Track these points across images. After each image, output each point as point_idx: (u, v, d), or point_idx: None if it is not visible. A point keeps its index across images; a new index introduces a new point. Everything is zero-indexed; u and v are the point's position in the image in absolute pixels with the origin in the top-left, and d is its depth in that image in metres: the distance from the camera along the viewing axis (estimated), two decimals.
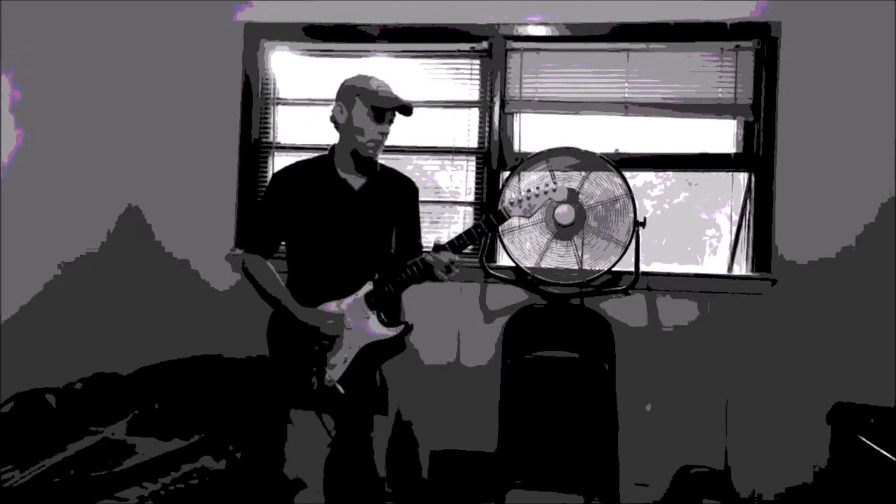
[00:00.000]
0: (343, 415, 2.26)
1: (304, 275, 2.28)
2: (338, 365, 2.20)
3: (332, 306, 2.22)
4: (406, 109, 2.22)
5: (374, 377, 2.33)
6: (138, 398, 2.89)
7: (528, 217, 2.31)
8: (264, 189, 2.47)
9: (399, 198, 2.36)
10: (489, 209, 3.08)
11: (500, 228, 2.24)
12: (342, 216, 2.25)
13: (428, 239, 3.15)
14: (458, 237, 2.19)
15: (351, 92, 2.22)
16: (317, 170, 2.29)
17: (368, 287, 2.22)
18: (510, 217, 2.21)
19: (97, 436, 2.61)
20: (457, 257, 2.17)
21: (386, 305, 2.26)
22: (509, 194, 2.86)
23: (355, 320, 2.22)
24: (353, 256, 2.25)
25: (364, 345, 2.22)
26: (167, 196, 3.32)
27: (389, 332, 2.23)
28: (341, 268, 2.24)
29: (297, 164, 2.35)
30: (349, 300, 2.22)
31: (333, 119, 2.26)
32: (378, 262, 2.28)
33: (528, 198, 2.18)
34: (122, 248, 3.31)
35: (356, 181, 2.28)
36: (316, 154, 2.36)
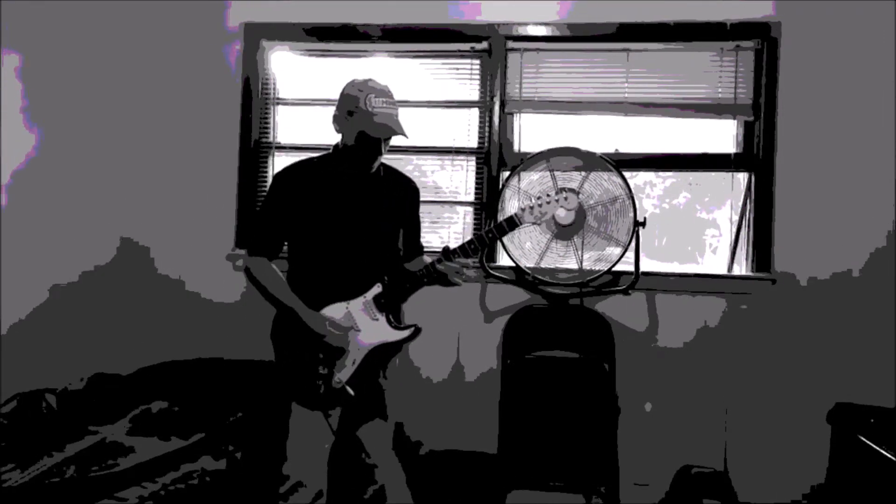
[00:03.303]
0: (350, 417, 2.24)
1: (309, 274, 2.22)
2: (346, 367, 2.17)
3: (339, 308, 2.18)
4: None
5: (379, 379, 2.30)
6: (138, 398, 2.89)
7: (539, 224, 2.28)
8: (265, 189, 2.41)
9: (403, 197, 2.34)
10: (490, 210, 3.08)
11: (522, 226, 2.20)
12: (349, 214, 2.20)
13: (427, 239, 3.18)
14: (469, 242, 2.18)
15: (347, 105, 2.15)
16: (321, 168, 2.24)
17: (378, 289, 2.19)
18: (522, 224, 2.19)
19: (97, 436, 2.61)
20: (469, 262, 2.18)
21: (394, 308, 2.25)
22: (507, 194, 2.86)
23: (364, 322, 2.19)
24: (361, 255, 2.20)
25: (373, 347, 2.20)
26: (168, 198, 3.32)
27: (400, 335, 2.22)
28: (349, 267, 2.19)
29: (301, 162, 2.30)
30: (357, 301, 2.19)
31: (334, 124, 2.23)
32: (386, 262, 2.26)
33: (540, 205, 2.16)
34: (123, 250, 3.31)
35: (361, 179, 2.22)
36: (317, 154, 2.33)
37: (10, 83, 2.81)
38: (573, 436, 2.90)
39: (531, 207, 2.17)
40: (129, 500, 2.25)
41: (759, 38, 3.03)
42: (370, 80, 2.18)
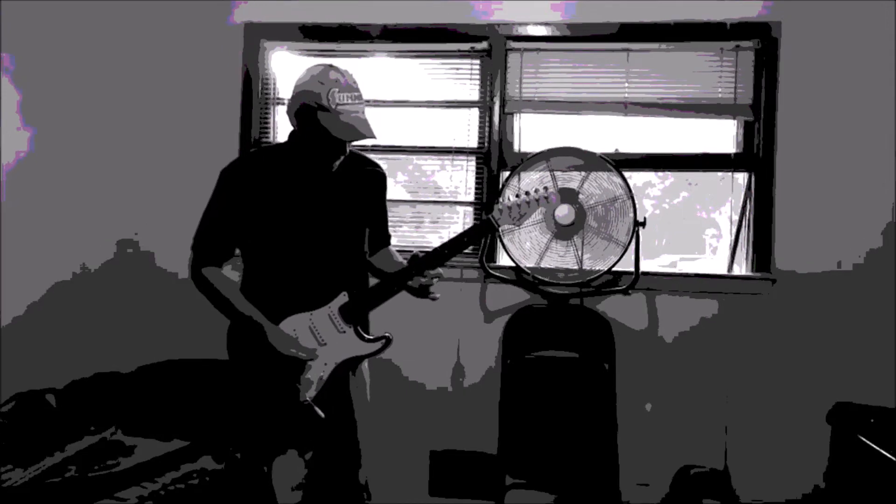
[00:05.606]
0: (322, 442, 2.06)
1: (267, 283, 2.01)
2: (313, 383, 1.98)
3: (301, 319, 1.99)
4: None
5: (349, 386, 2.09)
6: (138, 398, 2.89)
7: (519, 225, 2.14)
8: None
9: (368, 189, 2.13)
10: (487, 211, 3.08)
11: (500, 228, 2.14)
12: (309, 215, 1.99)
13: (427, 239, 3.19)
14: (443, 246, 2.02)
15: (307, 99, 1.91)
16: (276, 162, 2.01)
17: (344, 299, 1.99)
18: (500, 226, 2.05)
19: (97, 436, 2.61)
20: (441, 271, 2.02)
21: (362, 318, 2.06)
22: (507, 194, 2.86)
23: (330, 335, 2.00)
24: (324, 261, 2.01)
25: (341, 361, 2.01)
26: (168, 197, 3.30)
27: (370, 348, 2.02)
28: (311, 275, 1.99)
29: (251, 155, 2.05)
30: (321, 312, 1.99)
31: (289, 115, 1.98)
32: (352, 267, 2.08)
33: (519, 205, 2.01)
34: (122, 249, 3.31)
35: (321, 176, 2.01)
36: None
37: (11, 80, 2.81)
38: (573, 436, 2.90)
39: (508, 208, 2.01)
40: (129, 500, 2.25)
41: (759, 38, 3.02)
42: (331, 68, 1.96)
